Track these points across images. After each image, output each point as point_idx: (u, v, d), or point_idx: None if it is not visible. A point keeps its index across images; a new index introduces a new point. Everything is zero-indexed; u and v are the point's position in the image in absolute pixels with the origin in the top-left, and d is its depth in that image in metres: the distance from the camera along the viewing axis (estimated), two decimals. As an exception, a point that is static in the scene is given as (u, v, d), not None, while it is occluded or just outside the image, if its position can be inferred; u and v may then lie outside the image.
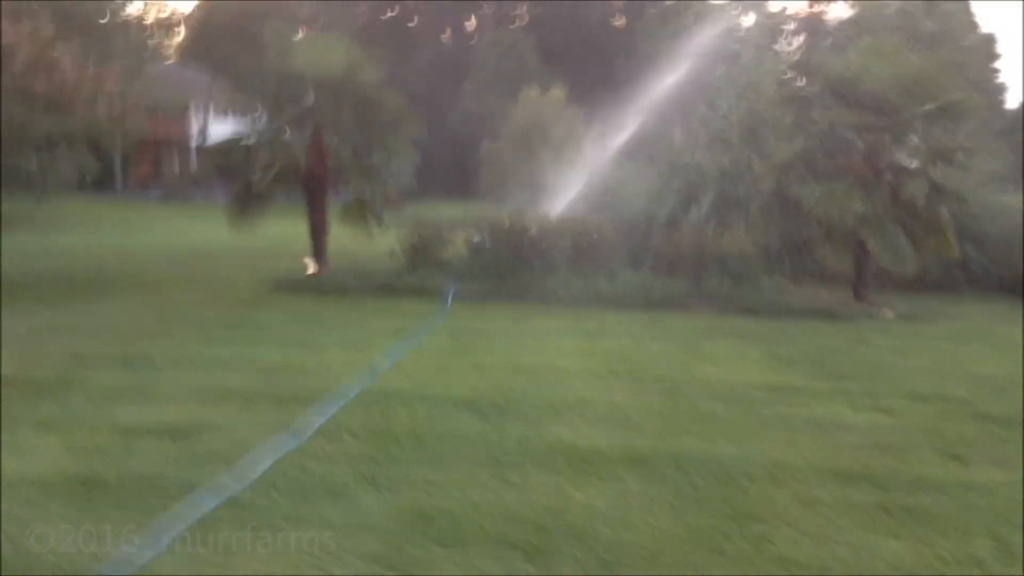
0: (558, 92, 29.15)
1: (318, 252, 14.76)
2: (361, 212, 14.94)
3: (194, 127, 45.52)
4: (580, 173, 17.79)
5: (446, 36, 64.55)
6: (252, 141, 13.81)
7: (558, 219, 14.45)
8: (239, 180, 14.17)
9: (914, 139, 12.47)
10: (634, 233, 15.26)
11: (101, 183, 40.00)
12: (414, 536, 4.12)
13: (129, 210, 34.66)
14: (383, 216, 14.91)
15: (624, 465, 5.23)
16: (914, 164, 12.55)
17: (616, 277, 13.15)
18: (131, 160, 43.12)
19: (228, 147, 14.06)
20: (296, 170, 14.04)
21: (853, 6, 57.15)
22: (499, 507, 4.51)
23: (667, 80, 46.93)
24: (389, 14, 62.20)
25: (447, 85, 56.29)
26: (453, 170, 54.41)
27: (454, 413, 6.35)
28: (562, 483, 4.89)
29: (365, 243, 15.37)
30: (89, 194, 36.26)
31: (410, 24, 62.62)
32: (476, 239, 13.60)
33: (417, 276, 13.43)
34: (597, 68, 56.40)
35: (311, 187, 14.55)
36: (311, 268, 14.50)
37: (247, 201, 14.47)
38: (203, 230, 24.97)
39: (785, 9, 62.65)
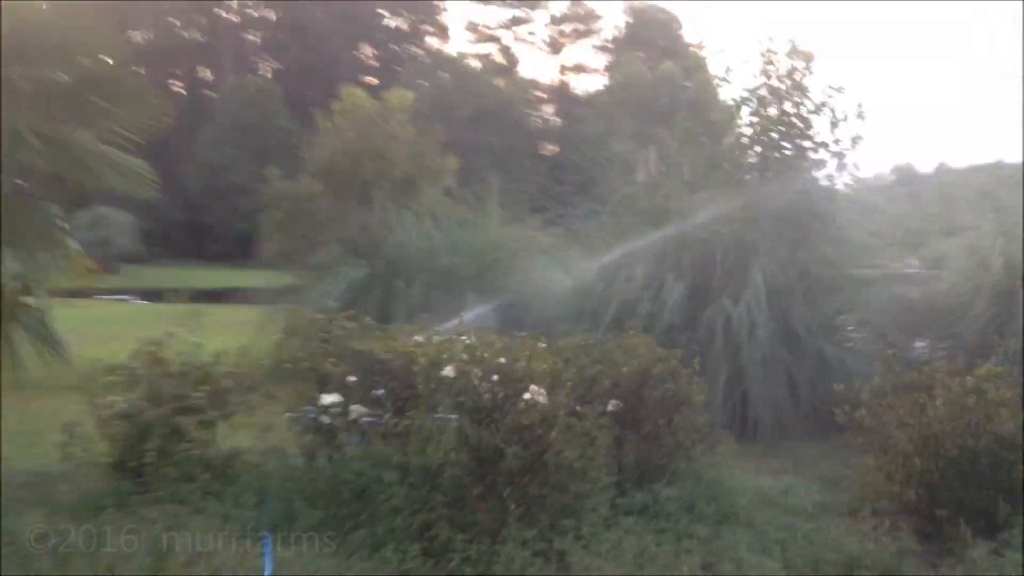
0: (401, 95, 19.14)
1: None
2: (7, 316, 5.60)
3: None
4: (453, 232, 9.47)
5: (178, 84, 52.98)
6: None
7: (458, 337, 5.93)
8: None
9: None
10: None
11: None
12: None
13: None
14: (52, 332, 5.67)
15: None
16: None
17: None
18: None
19: None
20: None
21: (608, 75, 53.32)
22: None
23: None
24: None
25: (179, 136, 45.14)
26: (186, 230, 43.52)
27: None
28: None
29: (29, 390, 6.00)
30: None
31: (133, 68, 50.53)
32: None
33: (150, 511, 4.24)
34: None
35: None
36: None
37: None
38: None
39: (535, 79, 57.86)
